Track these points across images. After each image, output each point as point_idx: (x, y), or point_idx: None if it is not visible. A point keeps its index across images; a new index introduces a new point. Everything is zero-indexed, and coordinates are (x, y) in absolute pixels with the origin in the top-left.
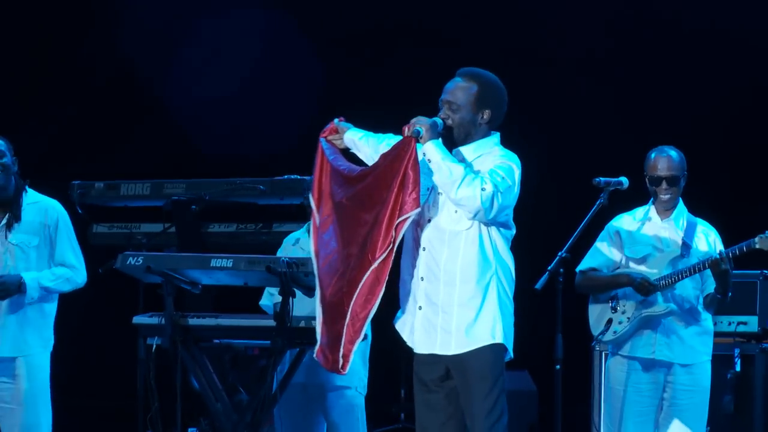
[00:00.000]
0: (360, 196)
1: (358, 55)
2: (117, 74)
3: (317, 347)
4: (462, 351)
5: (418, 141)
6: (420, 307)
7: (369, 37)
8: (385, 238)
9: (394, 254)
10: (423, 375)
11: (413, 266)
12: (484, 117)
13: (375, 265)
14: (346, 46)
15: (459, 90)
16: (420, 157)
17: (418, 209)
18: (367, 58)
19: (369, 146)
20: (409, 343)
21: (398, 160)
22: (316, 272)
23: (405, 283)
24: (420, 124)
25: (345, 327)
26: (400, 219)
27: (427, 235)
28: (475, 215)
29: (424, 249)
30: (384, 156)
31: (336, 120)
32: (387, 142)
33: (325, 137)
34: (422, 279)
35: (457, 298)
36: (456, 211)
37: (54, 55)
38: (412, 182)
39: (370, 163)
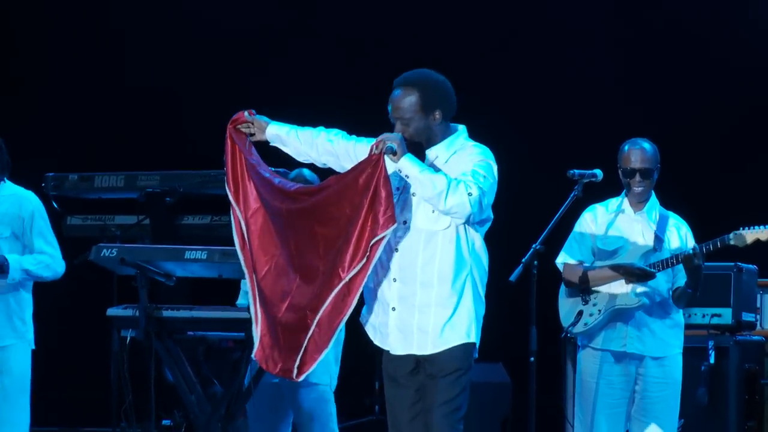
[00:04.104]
0: (312, 212)
1: (330, 51)
2: (93, 65)
3: (257, 348)
4: (438, 350)
5: (393, 157)
6: (393, 309)
7: (342, 33)
8: (355, 256)
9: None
10: (392, 371)
11: (383, 268)
12: (437, 118)
13: (346, 280)
14: (320, 39)
15: (402, 101)
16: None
17: (395, 225)
18: (342, 53)
19: (301, 141)
20: (381, 345)
21: (366, 179)
22: (247, 268)
23: (373, 285)
24: (390, 140)
25: (308, 338)
26: (377, 238)
27: (400, 237)
28: (467, 220)
29: (396, 251)
30: (341, 176)
31: (246, 112)
32: (328, 136)
33: (234, 127)
34: (395, 280)
35: (434, 298)
36: (433, 211)
37: (28, 44)
38: (384, 200)
39: (298, 158)
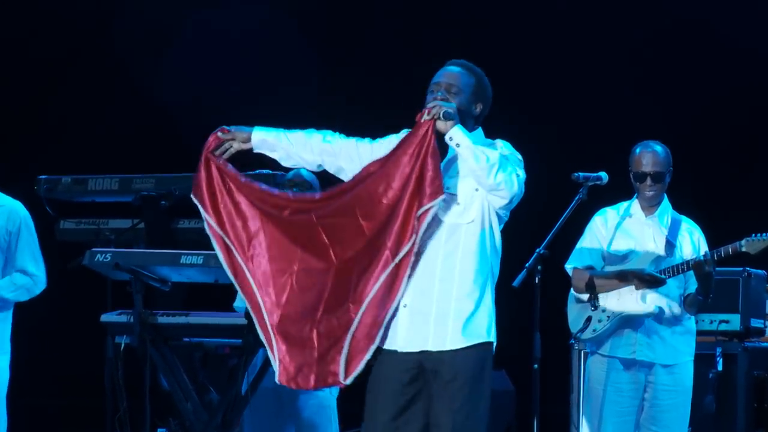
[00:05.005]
0: (354, 205)
1: (337, 52)
2: (88, 67)
3: (279, 372)
4: (456, 347)
5: (448, 123)
6: (405, 306)
7: (355, 33)
8: (404, 234)
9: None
10: (390, 373)
11: None
12: (477, 110)
13: (397, 260)
14: (327, 42)
15: (459, 77)
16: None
17: (443, 196)
18: (350, 55)
19: (292, 143)
20: (388, 347)
21: (416, 149)
22: (254, 311)
23: None
24: (447, 107)
25: (351, 335)
26: (424, 209)
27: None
28: (511, 200)
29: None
30: (384, 160)
31: (219, 132)
32: (324, 137)
33: (211, 153)
34: (408, 276)
35: (455, 292)
36: (458, 203)
37: (23, 46)
38: (433, 169)
39: (286, 162)
